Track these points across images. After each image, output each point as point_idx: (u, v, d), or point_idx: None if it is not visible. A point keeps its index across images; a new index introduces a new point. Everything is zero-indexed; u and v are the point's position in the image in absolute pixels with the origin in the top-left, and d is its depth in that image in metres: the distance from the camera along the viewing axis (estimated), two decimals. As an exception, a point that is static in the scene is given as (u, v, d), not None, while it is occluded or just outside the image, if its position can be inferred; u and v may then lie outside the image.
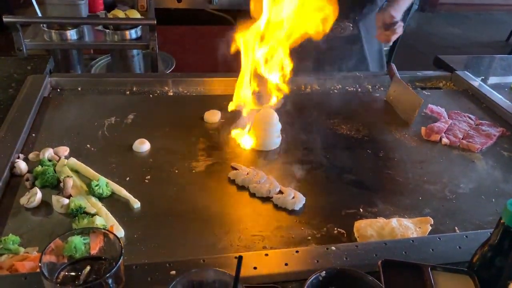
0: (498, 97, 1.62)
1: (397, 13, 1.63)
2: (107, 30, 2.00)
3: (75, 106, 1.41)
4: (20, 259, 0.84)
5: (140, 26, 2.02)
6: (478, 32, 6.04)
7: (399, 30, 1.59)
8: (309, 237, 0.99)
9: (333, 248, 0.90)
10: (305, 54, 1.42)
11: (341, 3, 1.76)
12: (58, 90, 1.52)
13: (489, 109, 1.60)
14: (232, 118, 1.39)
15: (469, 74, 1.80)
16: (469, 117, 1.51)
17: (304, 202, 1.08)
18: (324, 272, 0.78)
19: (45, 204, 1.01)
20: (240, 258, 0.56)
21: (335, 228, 1.02)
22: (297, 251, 0.90)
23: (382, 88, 1.72)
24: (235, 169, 1.17)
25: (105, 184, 1.04)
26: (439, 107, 1.55)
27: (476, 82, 1.74)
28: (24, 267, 0.82)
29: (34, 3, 1.87)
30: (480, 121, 1.50)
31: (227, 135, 1.32)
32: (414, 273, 0.87)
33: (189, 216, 1.02)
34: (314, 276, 0.77)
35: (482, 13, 6.67)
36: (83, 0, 2.09)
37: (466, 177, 1.24)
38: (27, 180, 1.07)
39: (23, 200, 1.00)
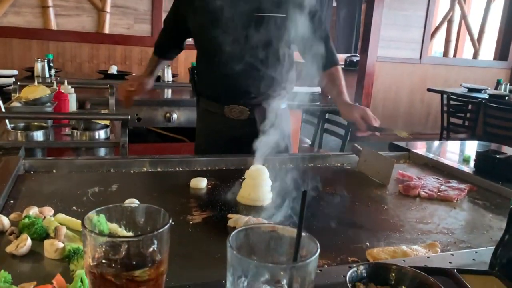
0: (456, 164, 1.77)
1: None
2: (76, 131, 2.01)
3: (54, 180, 1.35)
4: (17, 291, 0.73)
5: (109, 128, 2.06)
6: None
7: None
8: (325, 265, 0.95)
9: (355, 265, 0.87)
10: None
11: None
12: (32, 172, 1.45)
13: (452, 175, 1.72)
14: (219, 184, 1.38)
15: (424, 151, 1.96)
16: (437, 178, 1.62)
17: (310, 240, 1.05)
18: (361, 266, 0.75)
19: (35, 253, 0.91)
20: (304, 193, 0.55)
21: (349, 258, 1.00)
22: (320, 270, 0.86)
23: (349, 165, 1.80)
24: (233, 219, 1.14)
25: (105, 222, 0.96)
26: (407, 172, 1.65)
27: (433, 155, 1.89)
28: (23, 298, 0.71)
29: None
30: (448, 180, 1.60)
31: (217, 196, 1.30)
32: (441, 277, 0.85)
33: (196, 256, 0.96)
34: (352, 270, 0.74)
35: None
36: (49, 107, 2.14)
37: (454, 218, 1.29)
38: (12, 233, 0.96)
39: (10, 248, 0.89)
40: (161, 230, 0.58)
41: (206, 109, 1.96)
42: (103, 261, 0.57)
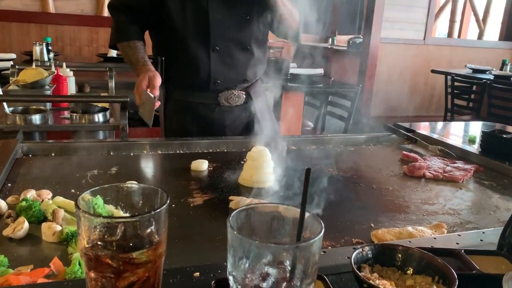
0: (462, 145, 1.74)
1: None
2: (75, 115, 1.98)
3: (52, 164, 1.33)
4: (14, 275, 0.71)
5: (109, 111, 2.03)
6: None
7: None
8: (329, 247, 0.93)
9: (360, 247, 0.85)
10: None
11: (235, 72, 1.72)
12: (30, 155, 1.43)
13: (460, 157, 1.67)
14: (220, 166, 1.36)
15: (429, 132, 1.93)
16: (443, 159, 1.59)
17: (314, 221, 1.03)
18: (367, 247, 0.73)
19: (32, 236, 0.89)
20: (308, 170, 0.52)
21: (353, 239, 0.98)
22: (324, 251, 0.83)
23: (352, 146, 1.78)
24: (235, 201, 1.12)
25: (103, 204, 0.94)
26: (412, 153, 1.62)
27: (437, 136, 1.86)
28: (19, 281, 0.69)
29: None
30: (454, 160, 1.57)
31: (218, 178, 1.28)
32: (449, 257, 0.83)
33: (197, 238, 0.94)
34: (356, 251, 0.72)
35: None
36: (48, 90, 2.11)
37: (460, 199, 1.26)
38: (9, 217, 0.94)
39: (7, 231, 0.87)
40: (158, 210, 0.55)
41: (186, 101, 1.74)
42: (99, 243, 0.55)
